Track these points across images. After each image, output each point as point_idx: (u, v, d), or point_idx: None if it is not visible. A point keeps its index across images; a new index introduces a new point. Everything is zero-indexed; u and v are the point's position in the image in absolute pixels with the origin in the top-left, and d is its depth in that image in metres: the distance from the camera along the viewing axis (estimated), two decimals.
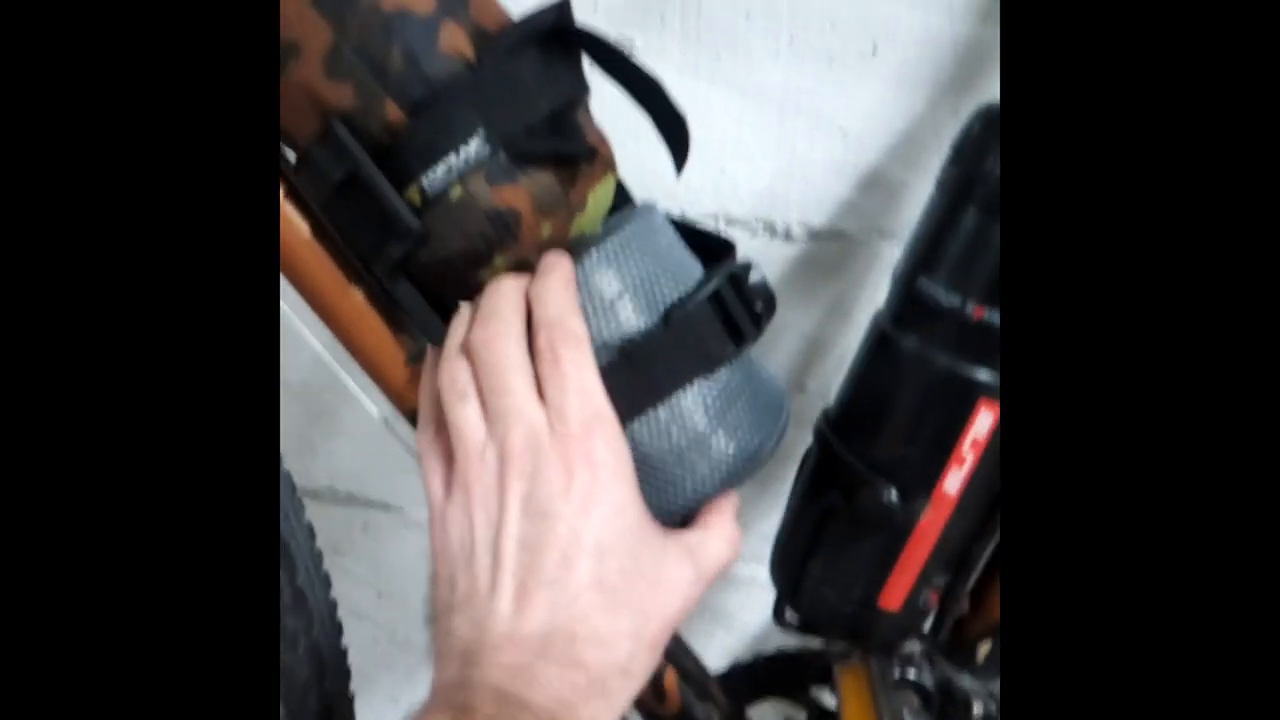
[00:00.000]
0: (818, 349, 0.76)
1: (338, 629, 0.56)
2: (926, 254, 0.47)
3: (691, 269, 0.42)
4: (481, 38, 0.39)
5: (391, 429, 0.47)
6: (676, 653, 0.57)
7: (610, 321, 0.39)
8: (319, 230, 0.42)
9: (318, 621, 0.53)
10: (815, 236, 0.72)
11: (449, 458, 0.38)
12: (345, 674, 0.56)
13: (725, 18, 0.65)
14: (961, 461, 0.46)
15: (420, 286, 0.41)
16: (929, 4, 0.63)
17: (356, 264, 0.42)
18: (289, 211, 0.42)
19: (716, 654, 0.86)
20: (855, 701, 0.53)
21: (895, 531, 0.48)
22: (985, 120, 0.46)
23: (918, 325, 0.47)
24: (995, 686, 0.55)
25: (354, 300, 0.43)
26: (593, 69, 0.42)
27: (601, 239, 0.40)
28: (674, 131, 0.42)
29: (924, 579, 0.49)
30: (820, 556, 0.51)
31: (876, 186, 0.69)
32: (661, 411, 0.39)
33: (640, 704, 0.57)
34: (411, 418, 0.45)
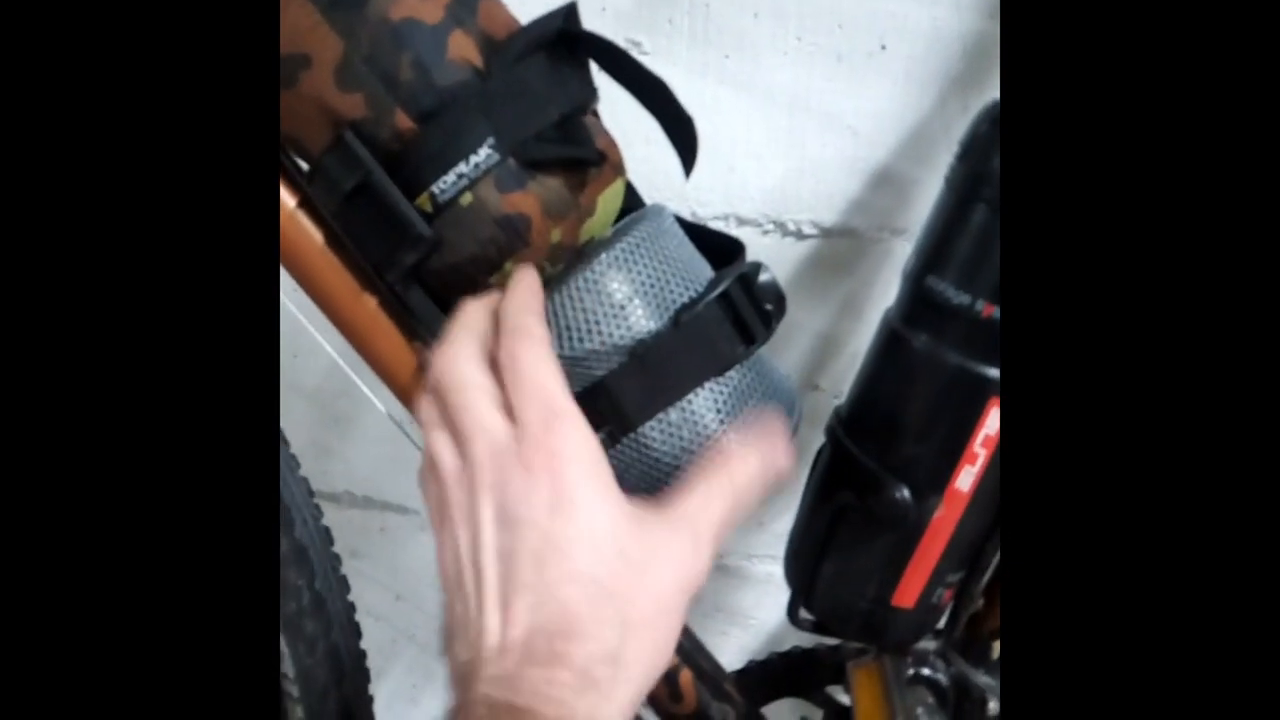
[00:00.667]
0: (830, 347, 0.76)
1: (356, 631, 0.56)
2: (935, 252, 0.47)
3: (701, 270, 0.42)
4: (490, 45, 0.39)
5: (406, 433, 0.47)
6: (692, 652, 0.58)
7: (620, 324, 0.40)
8: (332, 239, 0.43)
9: (336, 624, 0.53)
10: (826, 235, 0.72)
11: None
12: (364, 675, 0.57)
13: (733, 18, 0.65)
14: (973, 459, 0.46)
15: (432, 293, 0.42)
16: (936, 0, 0.63)
17: (369, 271, 0.42)
18: (303, 220, 0.43)
19: (733, 653, 0.86)
20: (868, 699, 0.53)
21: (908, 530, 0.48)
22: (992, 118, 0.46)
23: (927, 324, 0.47)
24: None
25: (367, 307, 0.44)
26: (601, 73, 0.42)
27: (611, 243, 0.41)
28: (681, 133, 0.43)
29: (938, 576, 0.49)
30: (834, 555, 0.51)
31: (887, 184, 0.69)
32: (673, 413, 0.40)
33: (656, 703, 0.57)
34: None
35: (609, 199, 0.43)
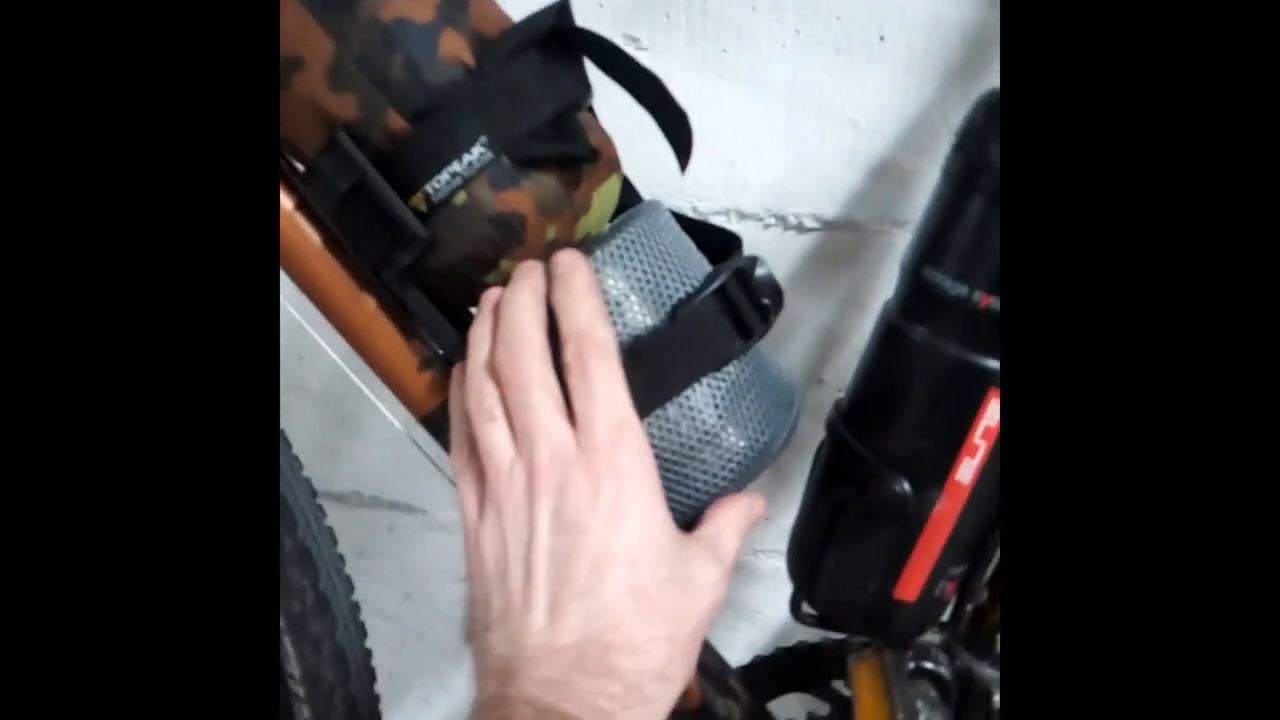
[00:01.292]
0: (833, 340, 0.76)
1: (361, 631, 0.57)
2: (933, 244, 0.46)
3: (698, 265, 0.42)
4: (481, 43, 0.39)
5: (412, 434, 0.48)
6: None
7: (617, 321, 0.40)
8: (330, 240, 0.43)
9: (341, 624, 0.53)
10: (828, 228, 0.72)
11: (482, 478, 0.38)
12: (370, 675, 0.57)
13: (730, 11, 0.65)
14: (974, 451, 0.46)
15: (429, 292, 0.42)
16: None
17: (367, 272, 0.43)
18: (301, 222, 0.43)
19: (741, 648, 0.86)
20: (868, 693, 0.53)
21: (909, 523, 0.48)
22: (988, 108, 0.46)
23: (926, 316, 0.47)
24: None
25: (366, 308, 0.44)
26: (595, 69, 0.42)
27: (606, 239, 0.41)
28: (676, 128, 0.42)
29: (940, 569, 0.49)
30: (835, 549, 0.51)
31: (888, 175, 0.69)
32: (671, 409, 0.40)
33: None
34: (426, 423, 0.45)
35: (604, 195, 0.43)
